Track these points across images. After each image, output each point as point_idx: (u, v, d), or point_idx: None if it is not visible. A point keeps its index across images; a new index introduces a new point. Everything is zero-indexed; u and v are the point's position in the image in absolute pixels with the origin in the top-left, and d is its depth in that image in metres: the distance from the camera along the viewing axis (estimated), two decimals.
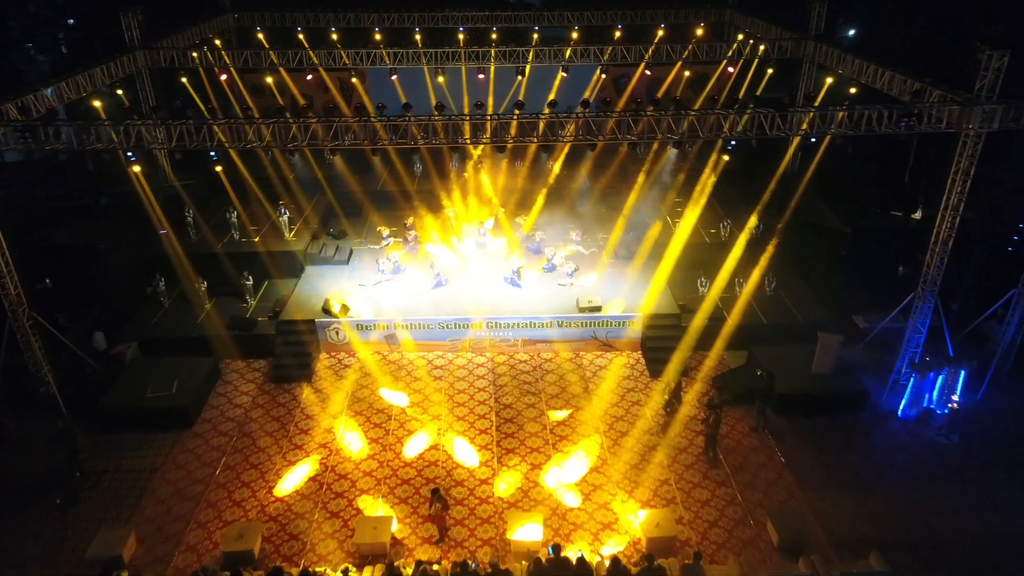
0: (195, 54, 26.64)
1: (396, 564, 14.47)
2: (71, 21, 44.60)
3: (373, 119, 18.33)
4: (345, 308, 22.83)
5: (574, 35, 31.76)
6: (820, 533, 16.34)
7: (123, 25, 25.78)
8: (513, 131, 18.60)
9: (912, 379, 19.65)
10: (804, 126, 18.17)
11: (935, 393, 19.77)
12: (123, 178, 21.19)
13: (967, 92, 17.51)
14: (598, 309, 22.76)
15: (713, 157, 26.62)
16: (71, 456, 17.69)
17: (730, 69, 29.47)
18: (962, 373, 19.61)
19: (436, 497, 16.03)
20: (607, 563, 14.17)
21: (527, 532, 15.65)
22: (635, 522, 16.46)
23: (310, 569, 14.72)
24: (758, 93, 27.95)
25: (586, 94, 28.47)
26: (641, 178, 28.44)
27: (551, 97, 25.35)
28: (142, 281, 24.63)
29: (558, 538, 16.09)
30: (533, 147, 29.60)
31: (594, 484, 17.81)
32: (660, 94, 30.49)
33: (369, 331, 22.81)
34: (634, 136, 18.49)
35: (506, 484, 17.85)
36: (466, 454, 18.89)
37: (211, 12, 32.52)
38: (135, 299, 24.49)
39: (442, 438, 19.46)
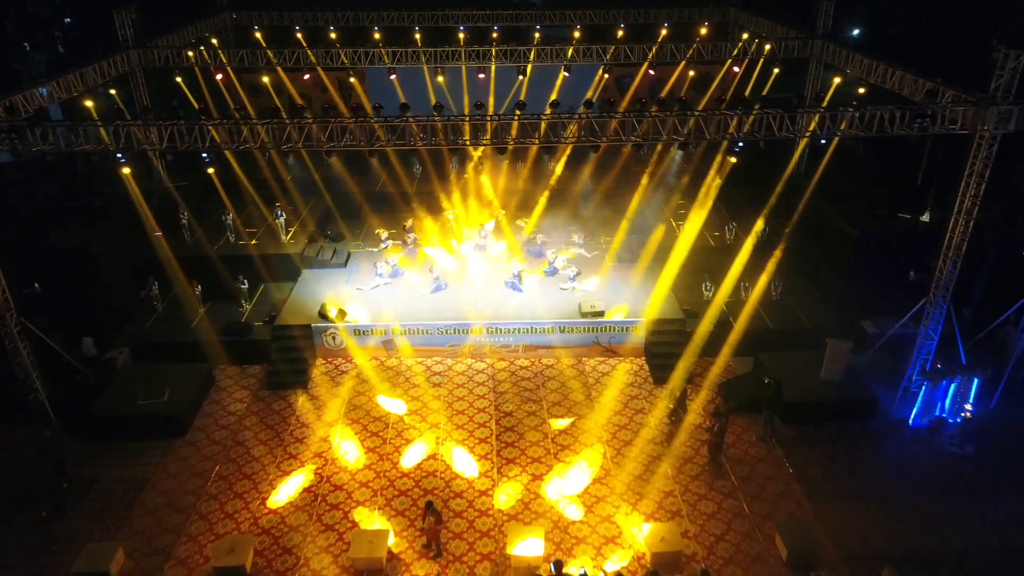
0: (191, 53, 26.18)
1: None
2: (68, 20, 44.23)
3: (371, 120, 17.83)
4: (342, 313, 22.33)
5: (576, 34, 31.29)
6: (831, 547, 15.85)
7: (116, 24, 25.26)
8: (514, 132, 18.13)
9: (924, 387, 19.12)
10: (812, 127, 17.68)
11: (947, 402, 19.27)
12: (118, 179, 20.72)
13: (981, 92, 16.99)
14: (601, 314, 22.25)
15: (718, 159, 26.13)
16: (58, 466, 17.20)
17: (735, 69, 29.01)
18: (975, 381, 19.12)
19: (430, 510, 15.54)
20: None
21: (528, 547, 15.13)
22: (639, 536, 15.95)
23: None
24: (764, 93, 27.50)
25: (588, 94, 28.03)
26: (645, 180, 27.96)
27: (553, 97, 24.88)
28: (136, 285, 24.13)
29: (560, 553, 15.59)
30: (535, 148, 29.13)
31: (597, 496, 17.30)
32: (664, 94, 29.94)
33: (366, 336, 22.31)
34: (638, 137, 18.00)
35: (506, 495, 17.34)
36: (465, 464, 18.38)
37: (208, 11, 32.05)
38: (128, 303, 23.98)
39: (441, 447, 18.95)
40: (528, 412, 20.24)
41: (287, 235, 26.37)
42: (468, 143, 18.56)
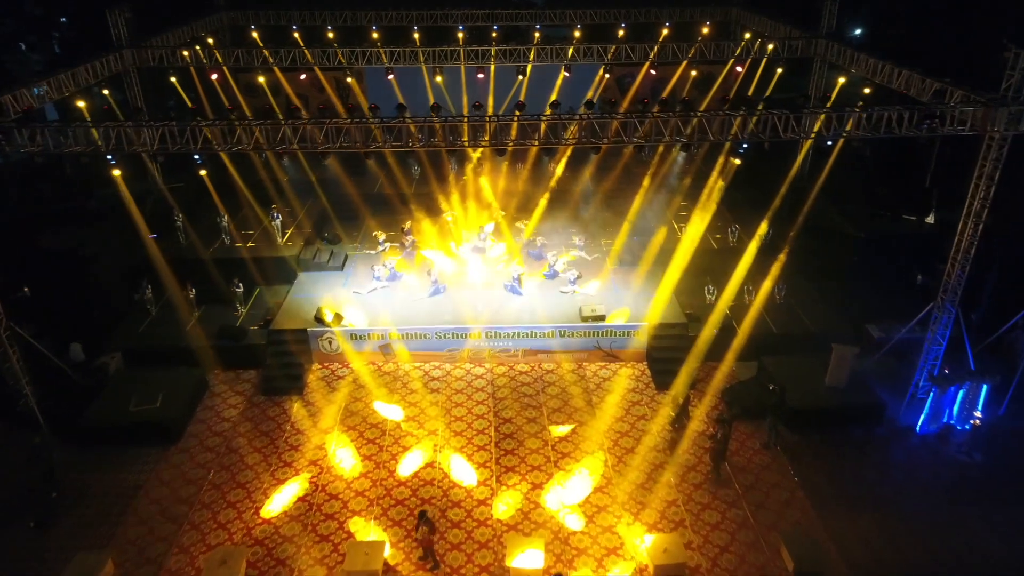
0: (186, 53, 25.80)
1: None
2: (63, 20, 43.85)
3: (369, 121, 17.45)
4: (339, 317, 21.95)
5: (576, 34, 30.93)
6: (837, 557, 15.50)
7: (109, 23, 24.88)
8: (514, 133, 17.77)
9: (932, 393, 18.73)
10: (818, 127, 17.31)
11: (955, 408, 18.87)
12: (114, 180, 20.44)
13: (991, 92, 16.60)
14: (602, 318, 21.87)
15: (720, 160, 25.75)
16: (47, 474, 16.84)
17: (738, 68, 28.64)
18: (984, 387, 18.72)
19: (423, 520, 15.18)
20: None
21: (527, 559, 14.75)
22: (642, 547, 15.57)
23: None
24: (767, 93, 27.16)
25: (589, 94, 27.69)
26: (646, 181, 27.58)
27: (553, 98, 24.51)
28: (129, 288, 23.73)
29: (560, 565, 15.23)
30: (534, 149, 28.76)
31: (598, 505, 16.91)
32: (665, 94, 29.60)
33: (363, 341, 21.92)
34: (639, 138, 17.64)
35: (505, 505, 16.96)
36: (463, 472, 18.00)
37: (205, 10, 31.67)
38: (121, 307, 23.59)
39: (439, 455, 18.57)
40: (528, 419, 19.86)
41: (283, 237, 25.99)
42: (467, 144, 18.19)
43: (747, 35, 29.28)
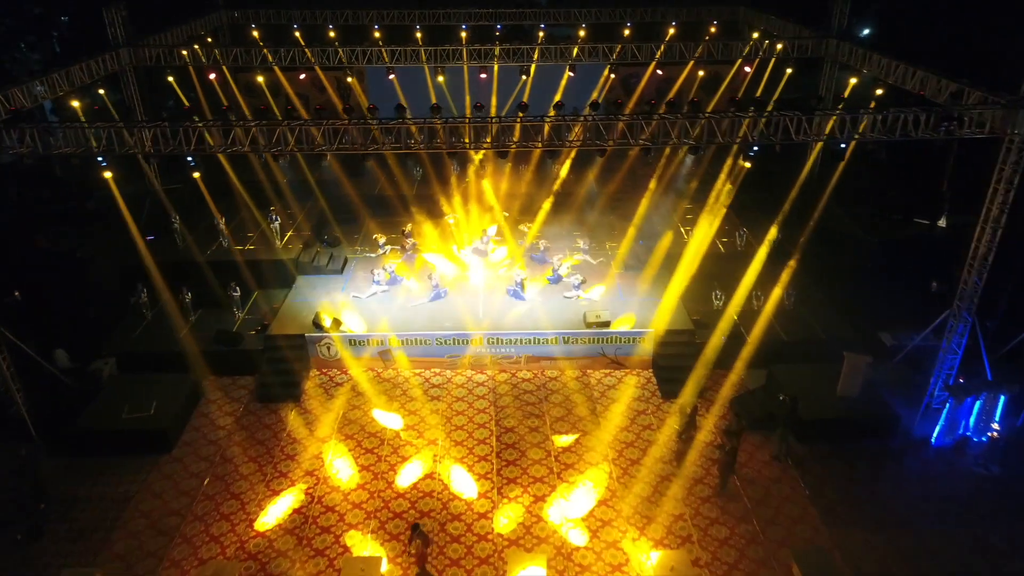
0: (184, 51, 25.35)
1: None
2: (64, 19, 43.50)
3: (368, 122, 16.94)
4: (337, 322, 21.46)
5: (581, 33, 30.47)
6: None
7: (106, 21, 24.43)
8: (516, 135, 17.25)
9: (948, 404, 18.15)
10: (829, 128, 16.75)
11: (972, 420, 18.28)
12: (115, 180, 20.10)
13: (1011, 94, 16.03)
14: (607, 324, 21.32)
15: (728, 162, 25.21)
16: (35, 485, 16.35)
17: (746, 69, 28.09)
18: (1001, 398, 18.12)
19: (416, 533, 14.67)
20: None
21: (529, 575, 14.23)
22: (647, 564, 15.03)
23: None
24: (776, 94, 26.65)
25: (594, 95, 27.20)
26: (652, 184, 27.04)
27: (557, 98, 24.02)
28: (125, 291, 23.25)
29: None
30: (538, 151, 28.25)
31: (602, 519, 16.37)
32: (672, 95, 29.09)
33: (362, 347, 21.43)
34: (645, 140, 17.11)
35: (507, 519, 16.42)
36: (464, 484, 17.47)
37: (204, 9, 31.23)
38: (117, 311, 23.11)
39: (438, 466, 18.05)
40: (530, 428, 19.34)
41: (282, 240, 25.51)
42: (469, 146, 17.68)
43: (755, 34, 28.83)
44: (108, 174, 17.95)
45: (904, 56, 20.24)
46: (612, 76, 27.98)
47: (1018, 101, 15.72)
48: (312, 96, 31.73)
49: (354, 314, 22.20)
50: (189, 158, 16.82)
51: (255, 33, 31.71)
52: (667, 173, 28.25)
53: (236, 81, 29.40)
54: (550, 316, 21.98)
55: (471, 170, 28.99)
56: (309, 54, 25.79)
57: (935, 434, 18.46)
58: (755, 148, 17.10)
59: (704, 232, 24.18)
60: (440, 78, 27.79)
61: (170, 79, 26.39)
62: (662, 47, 26.62)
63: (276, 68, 26.90)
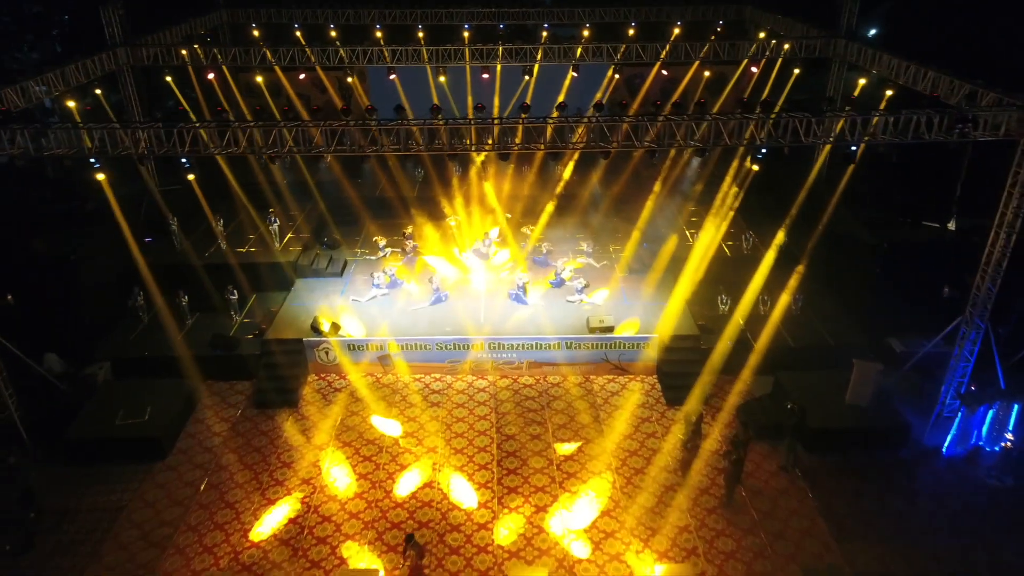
0: (184, 51, 25.00)
1: None
2: (65, 17, 43.20)
3: (368, 122, 16.55)
4: (335, 327, 21.08)
5: (585, 32, 30.02)
6: None
7: (103, 20, 24.10)
8: (519, 137, 16.85)
9: (961, 413, 17.69)
10: (838, 129, 16.31)
11: (985, 429, 17.83)
12: (113, 181, 19.73)
13: None
14: (610, 329, 20.92)
15: (734, 164, 24.77)
16: (25, 495, 15.98)
17: (753, 69, 27.63)
18: (1015, 407, 17.65)
19: (410, 544, 14.31)
20: None
21: None
22: None
23: None
24: (784, 95, 26.20)
25: (598, 96, 26.79)
26: (657, 186, 26.58)
27: (560, 99, 23.60)
28: (121, 294, 22.86)
29: None
30: (541, 152, 27.83)
31: (605, 531, 15.96)
32: (677, 95, 28.66)
33: (361, 352, 21.04)
34: (650, 142, 16.69)
35: (507, 530, 16.02)
36: (464, 493, 17.07)
37: (205, 8, 30.88)
38: (113, 314, 22.74)
39: (438, 474, 17.65)
40: (532, 435, 18.93)
41: (280, 242, 25.14)
42: (472, 148, 17.30)
43: (762, 34, 28.35)
44: (101, 176, 17.58)
45: (914, 56, 19.80)
46: (616, 76, 27.54)
47: None
48: (313, 96, 31.37)
49: (353, 318, 21.85)
50: (183, 160, 16.38)
51: (255, 32, 31.35)
52: (672, 175, 27.80)
53: (237, 81, 29.05)
54: (553, 321, 21.58)
55: (473, 171, 28.58)
56: (310, 53, 25.42)
57: (946, 444, 18.02)
58: (763, 150, 16.62)
59: (710, 235, 23.76)
60: (442, 78, 27.41)
61: (168, 79, 26.01)
62: (667, 47, 26.19)
63: (277, 68, 26.55)
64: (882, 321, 21.96)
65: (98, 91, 24.87)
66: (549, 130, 16.83)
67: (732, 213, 24.63)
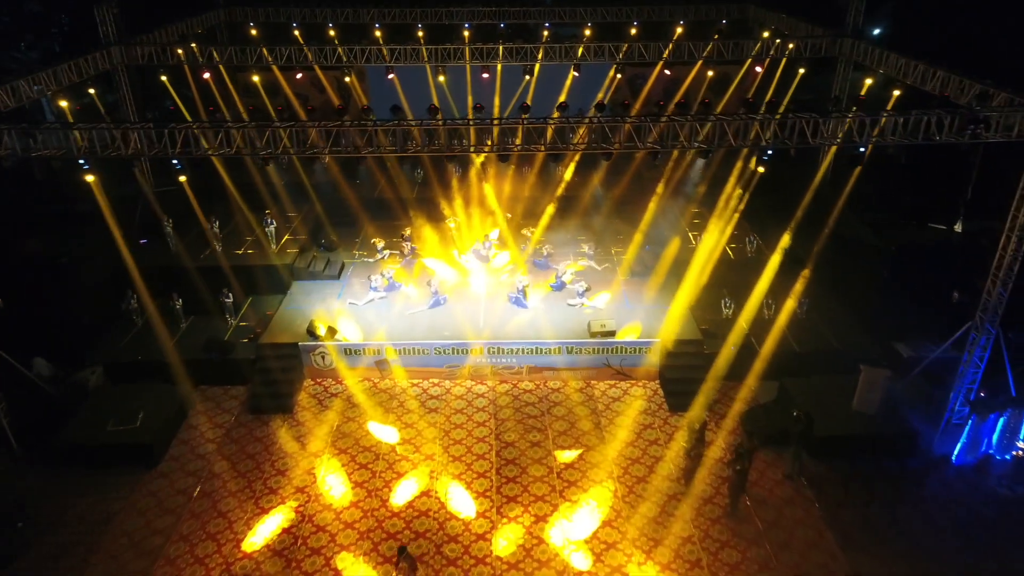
0: (180, 50, 24.65)
1: None
2: (65, 17, 42.90)
3: (366, 123, 16.18)
4: (332, 330, 20.71)
5: (587, 32, 29.64)
6: None
7: (97, 19, 23.75)
8: (519, 138, 16.47)
9: (971, 420, 17.28)
10: (845, 131, 15.91)
11: (995, 437, 17.42)
12: (108, 182, 19.39)
13: None
14: (612, 334, 20.53)
15: (738, 166, 24.37)
16: (14, 504, 15.60)
17: (757, 69, 27.25)
18: None
19: (403, 557, 13.96)
20: None
21: None
22: None
23: None
24: (789, 95, 25.82)
25: (600, 96, 26.42)
26: (660, 188, 26.23)
27: (561, 99, 23.23)
28: (115, 297, 22.49)
29: None
30: (542, 153, 27.47)
31: (607, 542, 15.56)
32: (680, 95, 28.29)
33: (358, 356, 20.68)
34: (652, 143, 16.31)
35: (506, 540, 15.63)
36: (462, 502, 16.69)
37: (203, 7, 30.54)
38: (106, 317, 22.38)
39: (435, 483, 17.26)
40: (531, 443, 18.54)
41: (277, 245, 24.78)
42: (471, 149, 16.91)
43: (766, 33, 27.99)
44: (91, 177, 17.23)
45: (920, 56, 19.41)
46: (618, 76, 27.15)
47: None
48: (312, 96, 31.03)
49: (350, 322, 21.47)
50: (175, 161, 16.02)
51: (253, 32, 31.01)
52: (675, 177, 27.43)
53: (234, 81, 28.70)
54: (553, 325, 21.20)
55: (473, 172, 28.21)
56: (307, 52, 25.07)
57: (956, 452, 17.61)
58: (768, 152, 16.24)
59: (713, 238, 23.41)
60: (441, 78, 27.07)
61: (163, 78, 25.66)
62: (670, 46, 25.79)
63: (274, 67, 26.20)
64: (889, 325, 21.54)
65: (92, 91, 24.51)
66: (550, 131, 16.46)
67: (736, 215, 24.23)
